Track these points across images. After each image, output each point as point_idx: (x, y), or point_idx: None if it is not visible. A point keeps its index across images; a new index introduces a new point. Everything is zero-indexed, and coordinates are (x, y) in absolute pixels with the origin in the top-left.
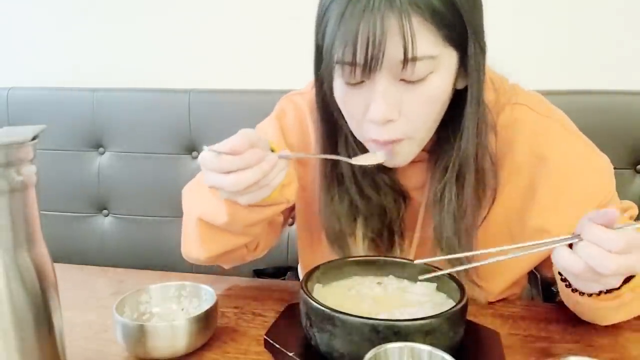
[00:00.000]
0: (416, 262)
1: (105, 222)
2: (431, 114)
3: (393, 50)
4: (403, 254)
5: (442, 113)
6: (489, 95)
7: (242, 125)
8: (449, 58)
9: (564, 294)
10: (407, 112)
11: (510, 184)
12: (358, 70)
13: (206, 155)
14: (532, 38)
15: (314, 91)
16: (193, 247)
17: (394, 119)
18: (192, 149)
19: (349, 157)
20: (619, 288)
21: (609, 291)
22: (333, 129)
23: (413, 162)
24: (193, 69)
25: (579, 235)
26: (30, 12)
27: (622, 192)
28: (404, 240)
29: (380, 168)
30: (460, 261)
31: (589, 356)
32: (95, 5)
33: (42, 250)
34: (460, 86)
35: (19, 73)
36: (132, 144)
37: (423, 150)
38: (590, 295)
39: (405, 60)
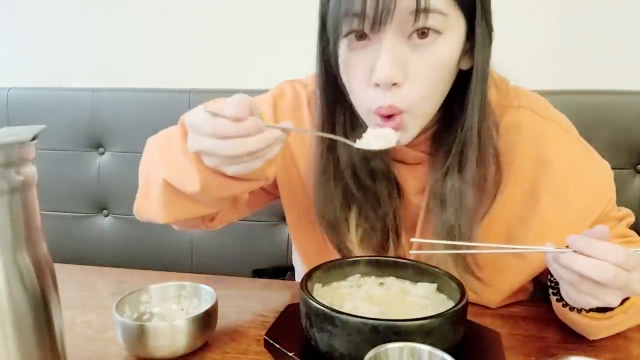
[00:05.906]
0: (414, 241)
1: (105, 222)
2: (436, 81)
3: (405, 1)
4: (397, 253)
5: (447, 87)
6: (491, 95)
7: None
8: (457, 23)
9: (555, 306)
10: (413, 76)
11: (512, 187)
12: (367, 23)
13: (201, 117)
14: (533, 38)
15: (313, 79)
16: (152, 208)
17: (399, 81)
18: None
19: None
20: (613, 309)
21: (600, 310)
22: (333, 106)
23: (414, 164)
24: (193, 69)
25: (567, 247)
26: (30, 12)
27: (622, 192)
28: (400, 242)
29: (379, 157)
30: (458, 248)
31: (589, 356)
32: (95, 5)
33: (42, 250)
34: (464, 66)
35: (19, 73)
36: (132, 144)
37: (423, 152)
38: (580, 311)
39: (418, 11)
